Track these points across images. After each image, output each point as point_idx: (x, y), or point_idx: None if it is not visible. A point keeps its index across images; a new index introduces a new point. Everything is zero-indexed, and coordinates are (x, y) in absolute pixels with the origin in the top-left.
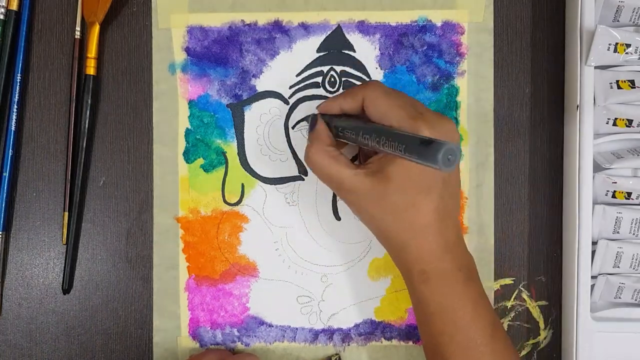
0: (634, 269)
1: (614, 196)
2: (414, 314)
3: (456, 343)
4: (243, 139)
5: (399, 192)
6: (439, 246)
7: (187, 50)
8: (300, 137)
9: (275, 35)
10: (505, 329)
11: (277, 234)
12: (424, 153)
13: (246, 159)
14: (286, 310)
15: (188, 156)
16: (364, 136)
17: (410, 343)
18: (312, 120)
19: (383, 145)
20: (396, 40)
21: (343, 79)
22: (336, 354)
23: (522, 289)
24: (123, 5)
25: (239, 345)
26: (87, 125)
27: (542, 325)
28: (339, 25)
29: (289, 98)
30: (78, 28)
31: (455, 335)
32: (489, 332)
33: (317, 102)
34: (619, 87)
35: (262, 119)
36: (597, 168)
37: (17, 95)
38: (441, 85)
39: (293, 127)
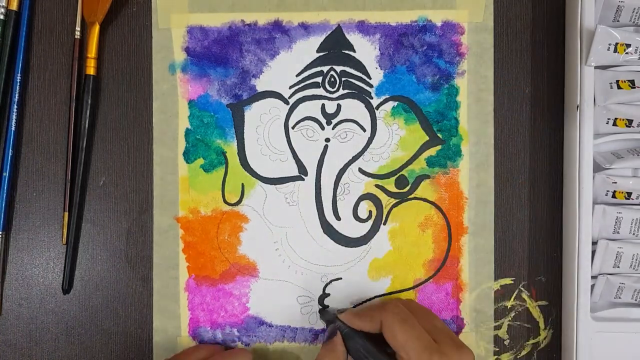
0: (634, 269)
1: (614, 196)
2: None
3: None
4: (243, 139)
5: None
6: None
7: (187, 50)
8: (300, 137)
9: (275, 35)
10: (506, 329)
11: (277, 234)
12: None
13: (246, 159)
14: (286, 310)
15: (188, 156)
16: None
17: None
18: (331, 329)
19: None
20: (396, 40)
21: (343, 79)
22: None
23: (522, 289)
24: (123, 5)
25: (239, 345)
26: (87, 125)
27: (542, 325)
28: (339, 25)
29: (289, 98)
30: (78, 28)
31: None
32: None
33: (317, 102)
34: (619, 87)
35: (262, 119)
36: (597, 168)
37: (17, 95)
38: (441, 85)
39: (293, 127)
